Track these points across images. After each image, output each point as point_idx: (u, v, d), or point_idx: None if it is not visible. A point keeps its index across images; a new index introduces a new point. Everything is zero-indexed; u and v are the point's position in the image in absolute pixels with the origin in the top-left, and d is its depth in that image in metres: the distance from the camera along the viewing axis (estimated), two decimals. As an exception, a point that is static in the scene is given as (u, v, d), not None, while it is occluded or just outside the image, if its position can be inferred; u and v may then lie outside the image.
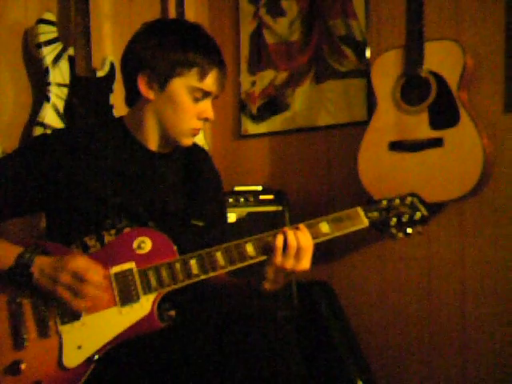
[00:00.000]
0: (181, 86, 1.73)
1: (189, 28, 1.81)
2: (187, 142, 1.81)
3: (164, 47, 1.72)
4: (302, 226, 1.67)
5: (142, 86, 1.75)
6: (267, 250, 1.66)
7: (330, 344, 2.74)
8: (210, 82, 1.74)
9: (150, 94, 1.75)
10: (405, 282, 2.87)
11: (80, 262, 1.60)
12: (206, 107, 1.77)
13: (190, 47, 1.72)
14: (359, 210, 1.71)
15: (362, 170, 2.70)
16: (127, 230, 1.72)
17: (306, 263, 1.65)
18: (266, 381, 1.52)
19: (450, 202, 2.64)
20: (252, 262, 1.67)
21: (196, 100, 1.75)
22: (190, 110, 1.75)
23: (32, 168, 1.73)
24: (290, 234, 1.64)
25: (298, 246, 1.64)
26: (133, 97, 1.81)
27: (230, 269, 1.67)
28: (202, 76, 1.73)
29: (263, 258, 1.67)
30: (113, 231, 1.72)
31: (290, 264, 1.64)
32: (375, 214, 1.71)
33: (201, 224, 1.83)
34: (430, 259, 2.81)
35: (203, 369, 1.59)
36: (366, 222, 1.70)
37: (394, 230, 1.72)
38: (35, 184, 1.73)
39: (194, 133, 1.80)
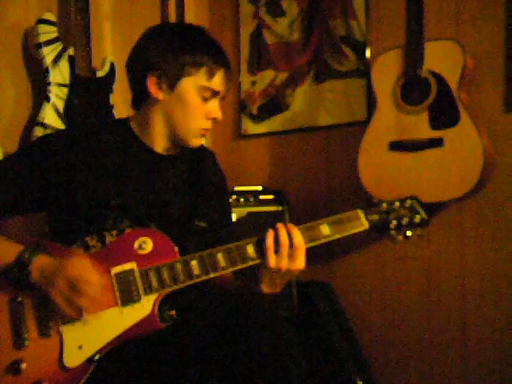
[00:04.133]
0: (190, 85, 1.76)
1: (194, 31, 1.84)
2: (196, 142, 1.82)
3: (174, 48, 1.75)
4: (289, 225, 1.66)
5: (152, 86, 1.76)
6: (261, 252, 1.65)
7: (330, 344, 2.74)
8: (217, 81, 1.78)
9: (159, 95, 1.77)
10: (405, 282, 2.87)
11: (77, 271, 1.59)
12: (215, 107, 1.80)
13: (198, 49, 1.76)
14: (359, 212, 1.71)
15: (362, 170, 2.70)
16: (128, 230, 1.72)
17: (301, 262, 1.64)
18: (266, 381, 1.52)
19: (450, 202, 2.64)
20: (253, 263, 1.67)
21: (205, 100, 1.78)
22: (199, 110, 1.78)
23: (35, 168, 1.73)
24: (282, 231, 1.63)
25: (291, 244, 1.63)
26: (140, 98, 1.82)
27: (230, 270, 1.67)
28: (211, 75, 1.76)
29: (262, 259, 1.67)
30: (114, 232, 1.72)
31: (284, 264, 1.62)
32: (375, 217, 1.71)
33: (204, 225, 1.84)
34: (430, 259, 2.81)
35: (204, 369, 1.59)
36: (366, 225, 1.70)
37: (393, 233, 1.72)
38: (38, 184, 1.73)
39: (203, 133, 1.82)
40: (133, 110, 1.89)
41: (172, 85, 1.76)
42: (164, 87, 1.76)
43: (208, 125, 1.81)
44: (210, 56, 1.76)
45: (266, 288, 1.67)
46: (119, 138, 1.82)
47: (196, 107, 1.77)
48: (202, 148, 1.94)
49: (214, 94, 1.79)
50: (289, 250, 1.62)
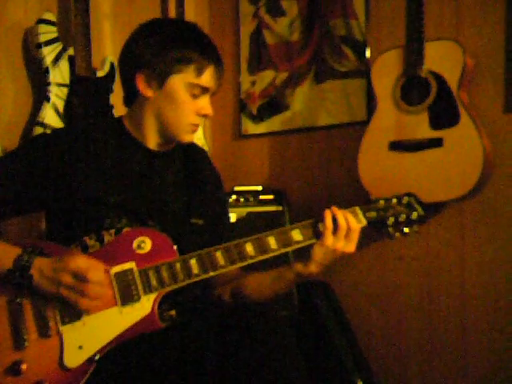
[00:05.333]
0: (179, 82, 1.75)
1: (185, 26, 1.84)
2: (187, 138, 1.82)
3: (161, 45, 1.75)
4: (346, 210, 1.72)
5: (141, 84, 1.77)
6: (316, 231, 1.69)
7: (330, 344, 2.74)
8: (207, 78, 1.77)
9: (148, 92, 1.77)
10: (405, 281, 2.87)
11: (80, 262, 1.59)
12: (205, 103, 1.79)
13: (187, 44, 1.75)
14: (357, 209, 1.74)
15: (362, 170, 2.70)
16: (127, 229, 1.72)
17: (353, 245, 1.70)
18: (266, 381, 1.52)
19: (449, 202, 2.64)
20: (251, 261, 1.68)
21: (194, 96, 1.77)
22: (189, 107, 1.77)
23: (31, 168, 1.73)
24: (340, 215, 1.68)
25: (348, 226, 1.68)
26: (131, 96, 1.83)
27: (229, 268, 1.68)
28: (200, 72, 1.75)
29: (262, 257, 1.68)
30: (112, 231, 1.72)
31: (340, 245, 1.68)
32: (373, 214, 1.74)
33: (200, 223, 1.84)
34: (430, 259, 2.81)
35: (203, 369, 1.58)
36: (364, 222, 1.73)
37: (391, 230, 1.75)
38: (34, 184, 1.73)
39: (194, 129, 1.82)
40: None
41: (161, 82, 1.75)
42: (153, 84, 1.76)
43: (198, 121, 1.81)
44: (199, 52, 1.75)
45: (314, 267, 1.71)
46: (113, 136, 1.83)
47: (186, 104, 1.77)
48: (193, 145, 1.95)
49: (204, 90, 1.78)
50: (346, 232, 1.68)
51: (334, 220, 1.69)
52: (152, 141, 1.83)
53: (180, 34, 1.78)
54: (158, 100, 1.78)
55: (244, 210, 2.86)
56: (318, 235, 1.69)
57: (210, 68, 1.77)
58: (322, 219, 1.69)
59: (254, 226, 2.79)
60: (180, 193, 1.86)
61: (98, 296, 1.60)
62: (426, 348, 2.81)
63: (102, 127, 1.86)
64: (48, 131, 2.43)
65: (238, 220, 2.83)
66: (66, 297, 1.59)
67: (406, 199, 1.76)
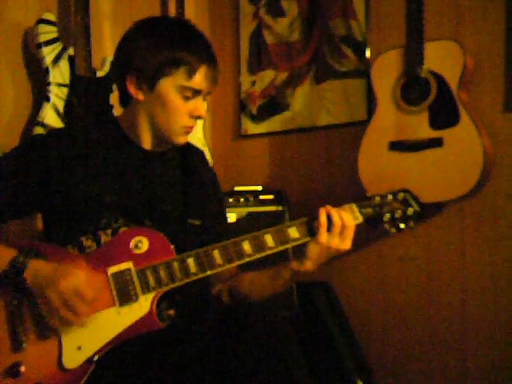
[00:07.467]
0: (169, 85, 1.73)
1: (177, 25, 1.81)
2: (181, 140, 1.81)
3: (151, 47, 1.72)
4: (342, 208, 1.72)
5: (131, 87, 1.75)
6: (312, 229, 1.69)
7: (330, 344, 2.74)
8: (199, 79, 1.74)
9: (139, 95, 1.76)
10: (405, 282, 2.87)
11: (71, 285, 1.57)
12: (197, 105, 1.77)
13: (178, 45, 1.72)
14: (353, 206, 1.74)
15: (362, 170, 2.70)
16: (123, 229, 1.72)
17: (348, 243, 1.69)
18: (266, 381, 1.52)
19: (450, 202, 2.64)
20: (249, 259, 1.68)
21: (186, 98, 1.75)
22: (181, 109, 1.75)
23: (27, 168, 1.73)
24: (334, 212, 1.68)
25: (343, 224, 1.67)
26: (125, 97, 1.81)
27: (227, 266, 1.68)
28: (191, 74, 1.72)
29: (259, 256, 1.68)
30: (109, 231, 1.72)
31: (335, 242, 1.67)
32: (369, 210, 1.74)
33: (197, 223, 1.83)
34: (430, 259, 2.80)
35: (203, 368, 1.59)
36: (360, 219, 1.73)
37: (387, 226, 1.76)
38: (31, 184, 1.73)
39: (187, 131, 1.80)
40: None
41: (151, 85, 1.73)
42: (143, 88, 1.74)
43: (191, 123, 1.79)
44: (191, 52, 1.72)
45: (310, 264, 1.70)
46: (109, 136, 1.82)
47: (177, 107, 1.75)
48: (190, 146, 1.94)
49: (196, 92, 1.75)
50: (340, 229, 1.67)
51: (329, 217, 1.68)
52: (147, 141, 1.82)
53: (171, 34, 1.75)
54: (149, 103, 1.76)
55: (244, 210, 2.85)
56: (313, 233, 1.69)
57: (202, 69, 1.73)
58: (316, 217, 1.69)
59: (253, 226, 2.79)
60: (177, 193, 1.85)
61: (72, 323, 1.58)
62: (426, 348, 2.81)
63: (98, 127, 1.85)
64: (48, 131, 2.44)
65: (238, 220, 2.83)
66: (44, 311, 1.59)
67: (401, 195, 1.77)
